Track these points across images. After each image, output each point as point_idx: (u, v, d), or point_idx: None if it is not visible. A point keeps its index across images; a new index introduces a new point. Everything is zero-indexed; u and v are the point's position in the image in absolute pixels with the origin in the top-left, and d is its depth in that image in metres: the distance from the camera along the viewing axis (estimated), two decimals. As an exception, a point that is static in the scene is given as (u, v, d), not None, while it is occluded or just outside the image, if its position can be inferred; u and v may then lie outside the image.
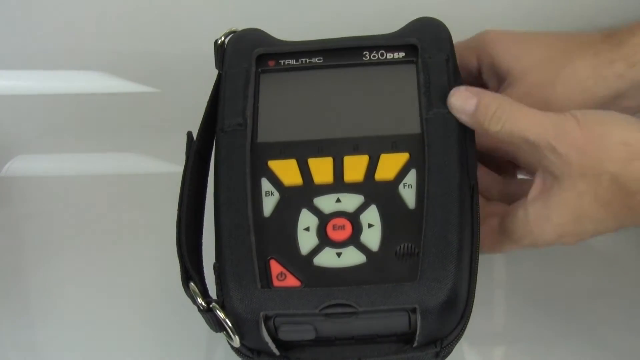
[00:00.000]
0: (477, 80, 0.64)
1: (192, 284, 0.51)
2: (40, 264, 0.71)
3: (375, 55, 0.56)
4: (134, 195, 0.74)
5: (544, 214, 0.52)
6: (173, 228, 0.54)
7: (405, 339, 0.50)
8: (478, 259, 0.51)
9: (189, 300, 0.52)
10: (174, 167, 0.54)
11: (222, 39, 0.59)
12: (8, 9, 0.73)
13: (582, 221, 0.51)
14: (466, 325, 0.50)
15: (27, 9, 0.73)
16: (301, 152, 0.53)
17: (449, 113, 0.53)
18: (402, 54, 0.56)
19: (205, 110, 0.57)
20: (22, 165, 0.77)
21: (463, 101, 0.52)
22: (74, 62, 0.76)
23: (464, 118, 0.53)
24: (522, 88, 0.60)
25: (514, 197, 0.57)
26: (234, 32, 0.59)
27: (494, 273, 0.67)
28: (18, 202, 0.76)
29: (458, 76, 0.56)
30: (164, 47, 0.74)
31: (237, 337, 0.50)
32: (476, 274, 0.50)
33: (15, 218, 0.74)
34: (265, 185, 0.52)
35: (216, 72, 0.59)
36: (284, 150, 0.53)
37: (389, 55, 0.56)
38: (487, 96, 0.52)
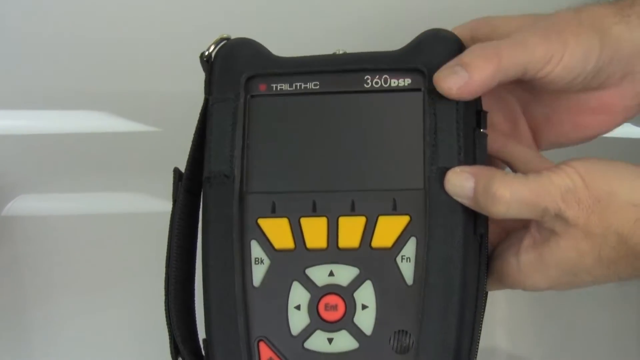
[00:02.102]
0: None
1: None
2: (41, 303, 0.70)
3: (377, 82, 0.51)
4: (136, 234, 0.74)
5: (538, 266, 0.49)
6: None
7: None
8: (480, 332, 0.49)
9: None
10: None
11: (212, 49, 0.53)
12: (8, 49, 0.74)
13: (580, 276, 0.49)
14: None
15: (28, 48, 0.73)
16: (294, 209, 0.49)
17: None
18: (408, 81, 0.51)
19: (193, 143, 0.54)
20: (24, 204, 0.77)
21: (460, 186, 0.48)
22: (75, 101, 0.76)
23: (466, 202, 0.48)
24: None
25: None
26: (225, 39, 0.54)
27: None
28: (19, 241, 0.76)
29: (471, 111, 0.50)
30: (165, 86, 0.75)
31: None
32: (476, 353, 0.48)
33: (16, 257, 0.75)
34: (255, 249, 0.49)
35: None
36: (275, 206, 0.50)
37: (393, 82, 0.51)
38: (484, 175, 0.48)
